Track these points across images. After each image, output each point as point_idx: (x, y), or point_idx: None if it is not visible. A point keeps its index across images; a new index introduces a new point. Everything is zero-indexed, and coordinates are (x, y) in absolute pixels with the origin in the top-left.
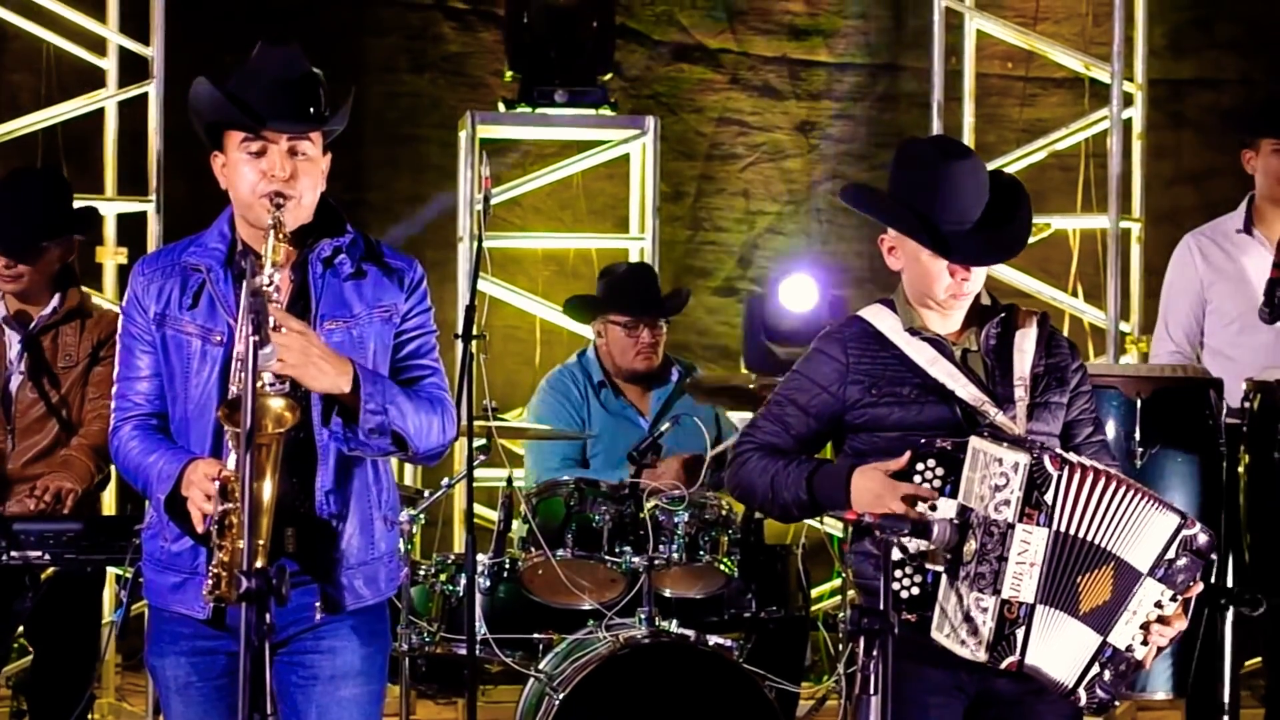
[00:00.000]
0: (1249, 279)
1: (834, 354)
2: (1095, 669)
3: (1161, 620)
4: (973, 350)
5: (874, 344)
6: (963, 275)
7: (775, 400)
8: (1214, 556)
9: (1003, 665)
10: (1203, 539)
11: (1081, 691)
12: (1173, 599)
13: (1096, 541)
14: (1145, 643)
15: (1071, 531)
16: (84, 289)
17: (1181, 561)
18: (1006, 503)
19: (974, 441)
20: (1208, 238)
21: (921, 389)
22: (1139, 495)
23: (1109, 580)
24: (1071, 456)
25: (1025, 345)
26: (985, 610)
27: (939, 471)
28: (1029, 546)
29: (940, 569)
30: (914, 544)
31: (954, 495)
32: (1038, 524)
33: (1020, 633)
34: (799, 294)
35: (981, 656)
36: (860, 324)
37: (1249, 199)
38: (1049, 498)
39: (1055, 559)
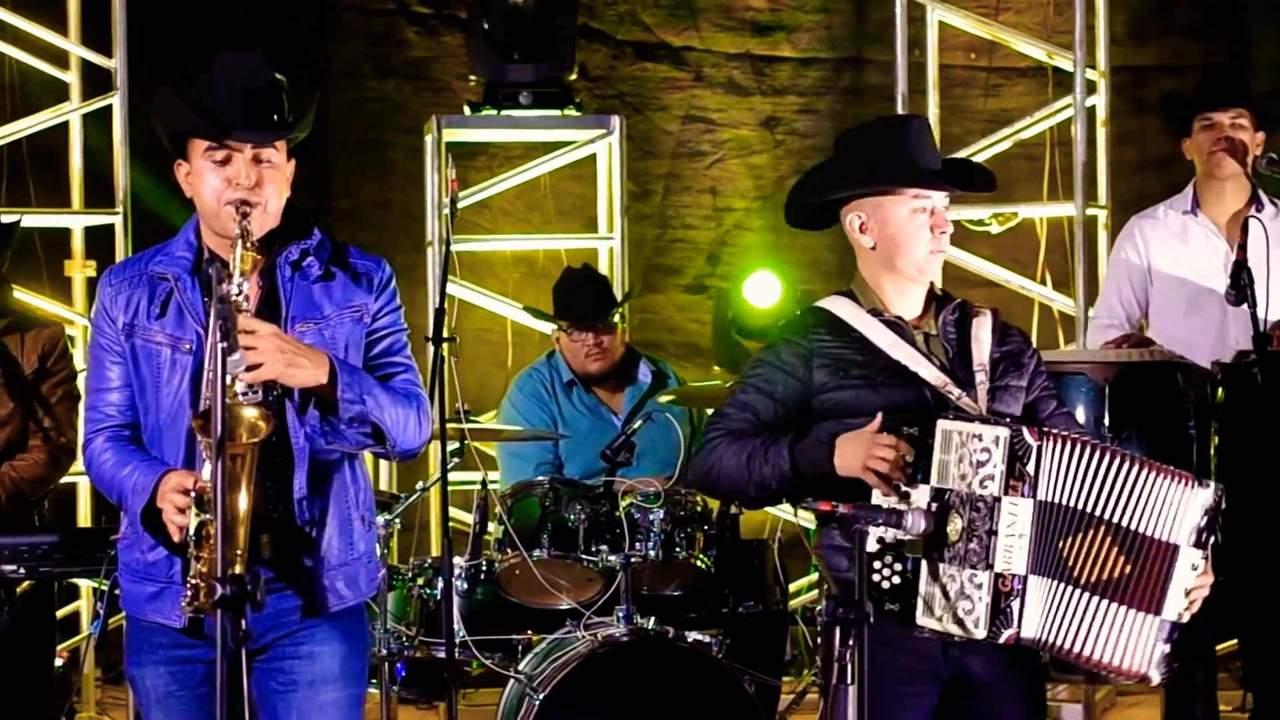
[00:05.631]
0: (1196, 261)
1: (798, 339)
2: (1166, 649)
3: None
4: (933, 334)
5: (834, 330)
6: (941, 229)
7: (741, 389)
8: (1223, 505)
9: (1001, 639)
10: (1215, 497)
11: (1154, 673)
12: (1204, 558)
13: (1085, 508)
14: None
15: (1057, 500)
16: (14, 290)
17: (1207, 521)
18: (991, 477)
19: (942, 424)
20: (1152, 221)
21: (888, 372)
22: (1157, 473)
23: (1118, 551)
24: (1049, 429)
25: (981, 334)
26: (980, 586)
27: (907, 458)
28: (1015, 518)
29: (919, 556)
30: (890, 533)
31: (925, 480)
32: (1022, 495)
33: (1016, 605)
34: (766, 290)
35: (980, 634)
36: (819, 312)
37: (1193, 183)
38: (1031, 468)
39: (1042, 528)
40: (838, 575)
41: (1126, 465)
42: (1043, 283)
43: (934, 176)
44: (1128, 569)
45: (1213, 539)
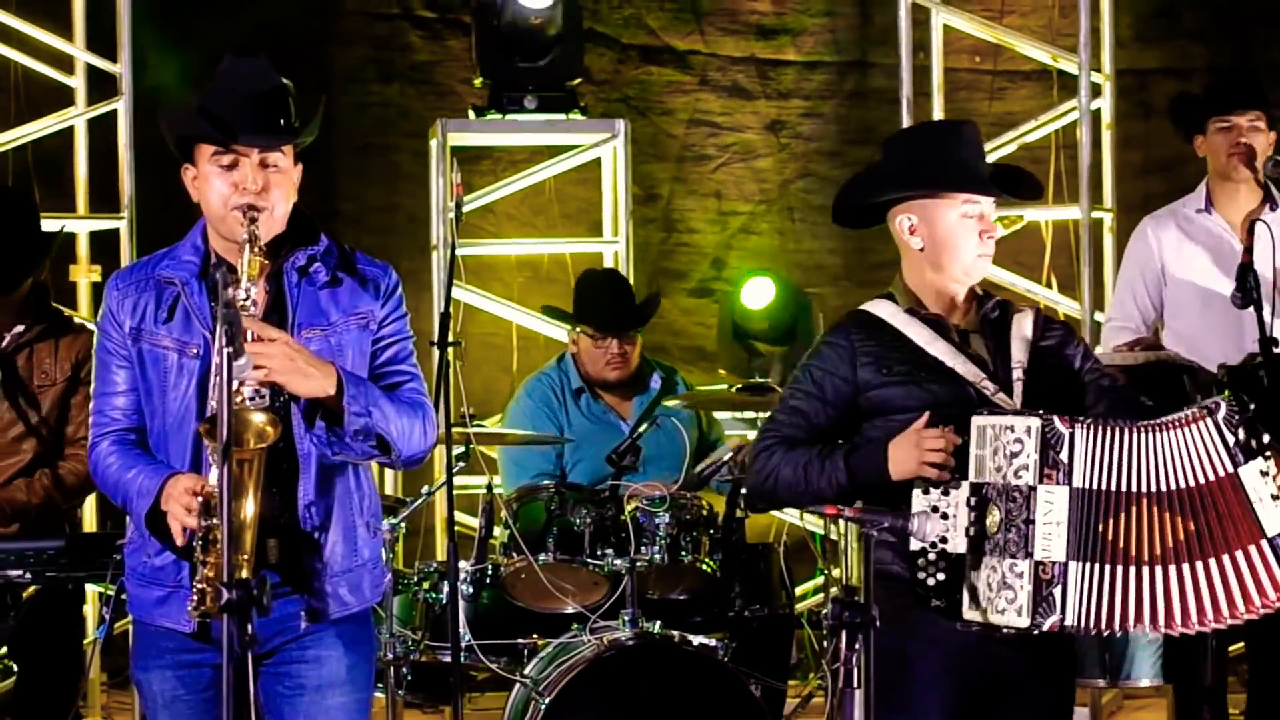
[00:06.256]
0: (1209, 261)
1: (839, 341)
2: None
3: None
4: (973, 331)
5: (873, 329)
6: (989, 233)
7: (790, 394)
8: (1251, 405)
9: (1045, 627)
10: (1227, 411)
11: None
12: (1267, 458)
13: (1123, 488)
14: None
15: (1093, 485)
16: (57, 306)
17: (1243, 432)
18: (1025, 467)
19: (976, 420)
20: (1166, 220)
21: (929, 368)
22: (1171, 429)
23: (1172, 515)
24: (1080, 417)
25: (1022, 331)
26: (1020, 575)
27: (957, 444)
28: (1052, 506)
29: (963, 552)
30: (935, 535)
31: (964, 476)
32: (1057, 483)
33: (1057, 592)
34: (760, 293)
35: (1024, 622)
36: (860, 313)
37: (1205, 182)
38: (1064, 456)
39: (1079, 513)
40: (881, 568)
41: (1147, 435)
42: (1048, 286)
43: (985, 182)
44: (1190, 525)
45: (1256, 435)
